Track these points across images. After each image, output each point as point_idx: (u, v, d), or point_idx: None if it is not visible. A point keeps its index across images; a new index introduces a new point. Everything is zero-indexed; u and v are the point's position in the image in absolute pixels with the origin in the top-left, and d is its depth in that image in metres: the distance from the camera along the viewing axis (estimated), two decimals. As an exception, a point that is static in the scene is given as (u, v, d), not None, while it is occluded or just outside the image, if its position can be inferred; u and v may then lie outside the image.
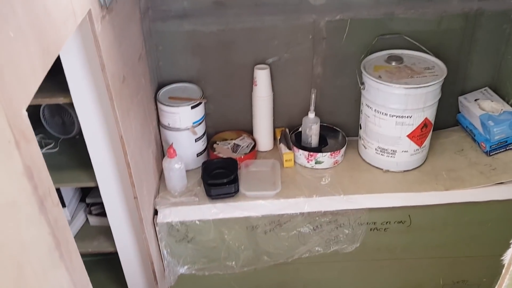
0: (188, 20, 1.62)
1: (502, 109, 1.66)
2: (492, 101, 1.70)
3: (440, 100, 1.60)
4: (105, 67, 1.12)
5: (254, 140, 1.79)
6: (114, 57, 1.19)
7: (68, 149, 1.63)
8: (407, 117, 1.55)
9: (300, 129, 1.80)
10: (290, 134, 1.79)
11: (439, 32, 1.68)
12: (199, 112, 1.65)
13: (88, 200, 1.74)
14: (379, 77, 1.55)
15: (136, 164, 1.37)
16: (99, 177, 1.40)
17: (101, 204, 1.52)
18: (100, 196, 1.45)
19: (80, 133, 1.63)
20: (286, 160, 1.72)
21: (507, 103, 1.70)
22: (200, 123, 1.67)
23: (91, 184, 1.46)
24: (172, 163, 1.57)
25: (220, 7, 1.61)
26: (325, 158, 1.70)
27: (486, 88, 1.78)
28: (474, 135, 1.74)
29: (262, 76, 1.68)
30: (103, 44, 1.10)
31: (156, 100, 1.64)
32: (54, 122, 1.68)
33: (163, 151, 1.72)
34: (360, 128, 1.71)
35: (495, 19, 1.66)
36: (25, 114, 0.66)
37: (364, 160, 1.74)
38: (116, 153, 1.32)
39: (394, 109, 1.55)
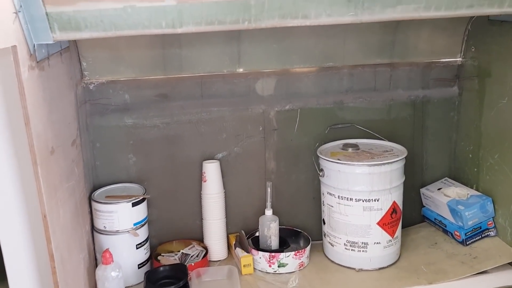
0: (130, 113, 1.50)
1: (468, 194, 1.58)
2: (456, 187, 1.62)
3: (402, 196, 1.50)
4: (30, 122, 0.94)
5: (205, 248, 1.55)
6: (42, 119, 1.02)
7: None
8: (375, 200, 1.42)
9: (257, 233, 1.59)
10: (246, 238, 1.57)
11: (389, 121, 1.65)
12: (142, 211, 1.43)
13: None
14: (339, 160, 1.44)
15: (63, 261, 1.09)
16: (13, 285, 1.09)
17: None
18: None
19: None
20: (244, 265, 1.47)
21: (471, 188, 1.62)
22: (142, 225, 1.43)
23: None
24: (108, 271, 1.29)
25: (164, 99, 1.52)
26: (289, 260, 1.47)
27: (446, 178, 1.71)
28: (445, 226, 1.60)
29: (211, 170, 1.52)
30: (29, 96, 0.94)
31: (90, 200, 1.42)
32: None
33: (96, 263, 1.43)
34: (324, 224, 1.54)
35: (441, 107, 1.68)
36: None
37: (332, 261, 1.53)
38: (37, 244, 1.04)
39: (359, 191, 1.41)
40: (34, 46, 0.98)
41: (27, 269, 1.05)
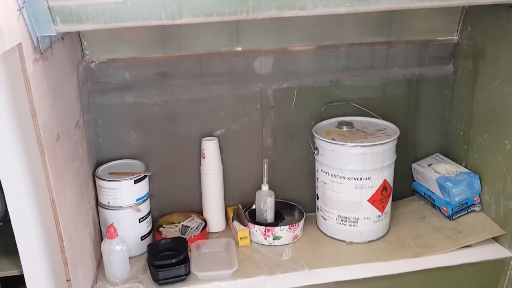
0: (130, 92, 1.54)
1: (457, 171, 1.64)
2: (446, 164, 1.68)
3: (394, 170, 1.55)
4: (36, 114, 0.98)
5: (204, 220, 1.63)
6: (47, 109, 1.06)
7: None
8: (366, 178, 1.48)
9: (253, 206, 1.67)
10: (243, 211, 1.64)
11: (385, 98, 1.69)
12: (143, 187, 1.49)
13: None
14: (333, 139, 1.50)
15: (70, 239, 1.16)
16: (24, 261, 1.16)
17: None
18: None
19: (4, 217, 1.42)
20: (241, 238, 1.55)
21: (460, 165, 1.68)
22: (144, 200, 1.50)
23: (14, 272, 1.22)
24: (113, 245, 1.37)
25: (163, 77, 1.55)
26: (284, 233, 1.55)
27: (437, 153, 1.77)
28: (434, 201, 1.68)
29: (210, 148, 1.58)
30: (34, 88, 0.98)
31: (94, 176, 1.48)
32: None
33: (101, 236, 1.51)
34: (318, 199, 1.61)
35: (436, 85, 1.71)
36: None
37: (324, 234, 1.61)
38: (46, 225, 1.11)
39: (352, 170, 1.48)
40: (37, 38, 1.01)
41: (38, 249, 1.12)
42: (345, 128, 1.58)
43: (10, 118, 0.99)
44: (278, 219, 1.64)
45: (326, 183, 1.54)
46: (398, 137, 1.53)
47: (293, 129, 1.67)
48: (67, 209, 1.16)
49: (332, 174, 1.51)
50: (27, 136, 1.01)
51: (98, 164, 1.54)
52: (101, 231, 1.51)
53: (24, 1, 0.93)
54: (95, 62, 1.49)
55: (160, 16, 1.03)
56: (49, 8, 0.97)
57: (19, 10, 0.91)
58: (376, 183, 1.49)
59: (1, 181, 1.06)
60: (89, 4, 0.98)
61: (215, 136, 1.61)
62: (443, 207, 1.63)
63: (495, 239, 1.54)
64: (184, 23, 1.06)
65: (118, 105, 1.54)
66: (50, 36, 1.10)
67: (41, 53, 1.04)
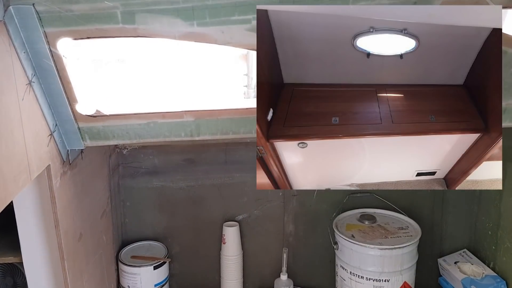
0: (158, 176, 1.61)
1: (483, 273, 1.59)
2: (472, 264, 1.63)
3: (419, 262, 1.53)
4: (59, 224, 1.04)
5: (222, 304, 1.65)
6: (72, 214, 1.13)
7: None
8: (385, 280, 1.46)
9: (272, 293, 1.67)
10: (261, 298, 1.66)
11: (410, 192, 1.67)
12: (163, 272, 1.53)
13: None
14: (352, 237, 1.49)
15: (85, 333, 1.21)
16: None
17: None
18: None
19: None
20: (256, 329, 1.56)
21: (488, 266, 1.63)
22: (163, 285, 1.54)
23: None
24: (129, 332, 1.41)
25: (190, 164, 1.61)
26: (300, 326, 1.55)
27: (465, 250, 1.72)
28: (458, 301, 1.63)
29: (231, 234, 1.61)
30: (60, 200, 1.04)
31: (117, 259, 1.53)
32: (4, 284, 1.54)
33: (121, 317, 1.56)
34: (337, 292, 1.60)
35: (463, 180, 1.68)
36: None
37: (342, 328, 1.59)
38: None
39: (370, 271, 1.46)
40: (67, 152, 1.08)
41: None
42: (366, 223, 1.58)
43: (37, 228, 1.07)
44: (296, 309, 1.64)
45: (345, 280, 1.53)
46: (423, 231, 1.51)
47: (315, 217, 1.68)
48: (84, 305, 1.21)
49: (351, 272, 1.50)
50: (51, 243, 1.08)
51: (124, 244, 1.60)
52: (120, 312, 1.56)
53: (55, 125, 1.00)
54: (127, 148, 1.57)
55: (180, 134, 1.09)
56: (79, 129, 1.04)
57: (50, 135, 0.99)
58: (396, 286, 1.47)
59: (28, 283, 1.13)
60: (115, 125, 1.05)
61: (237, 221, 1.65)
62: (467, 310, 1.58)
63: None
64: (202, 139, 1.11)
65: (146, 189, 1.61)
66: (80, 143, 1.17)
67: (70, 164, 1.11)
